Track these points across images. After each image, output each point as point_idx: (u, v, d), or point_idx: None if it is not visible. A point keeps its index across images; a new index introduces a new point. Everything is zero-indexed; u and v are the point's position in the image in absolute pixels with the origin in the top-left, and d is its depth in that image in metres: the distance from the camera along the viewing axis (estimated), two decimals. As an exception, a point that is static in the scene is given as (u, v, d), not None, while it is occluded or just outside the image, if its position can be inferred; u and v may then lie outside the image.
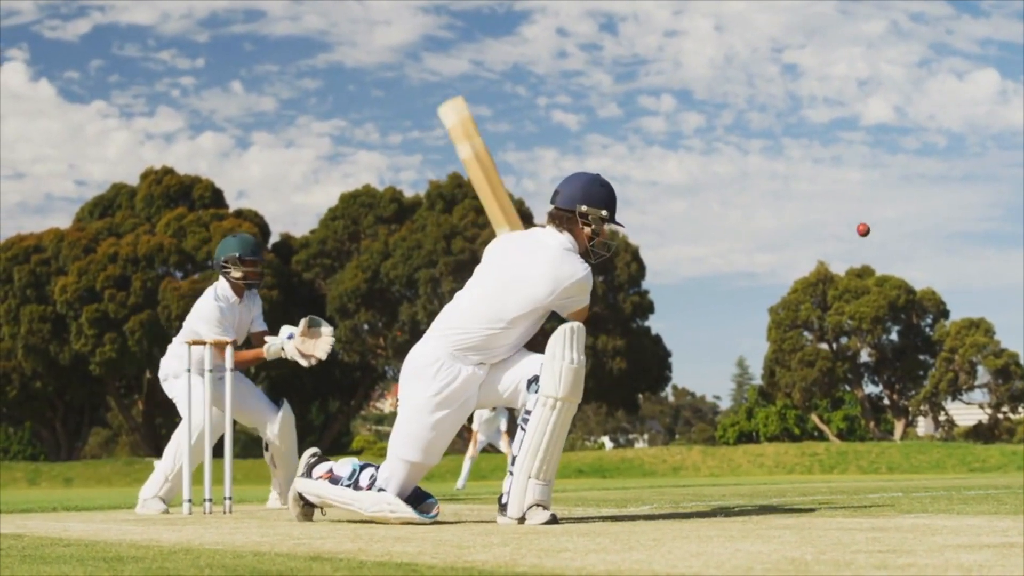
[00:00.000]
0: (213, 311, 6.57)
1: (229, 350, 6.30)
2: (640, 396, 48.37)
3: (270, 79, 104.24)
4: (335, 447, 47.33)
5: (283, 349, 6.59)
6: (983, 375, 44.35)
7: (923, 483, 11.92)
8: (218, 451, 6.46)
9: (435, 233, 40.64)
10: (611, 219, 4.66)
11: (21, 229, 65.32)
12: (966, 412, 49.96)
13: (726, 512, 5.09)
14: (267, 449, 6.92)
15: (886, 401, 47.13)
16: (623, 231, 45.02)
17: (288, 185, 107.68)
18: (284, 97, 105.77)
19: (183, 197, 43.73)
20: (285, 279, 41.43)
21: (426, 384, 4.54)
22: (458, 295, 4.71)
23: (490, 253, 4.75)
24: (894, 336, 45.69)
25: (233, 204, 46.26)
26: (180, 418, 6.49)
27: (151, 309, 38.95)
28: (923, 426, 57.62)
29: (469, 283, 4.71)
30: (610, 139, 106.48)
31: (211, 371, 6.35)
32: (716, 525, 4.07)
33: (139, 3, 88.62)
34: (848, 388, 47.55)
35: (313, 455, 5.03)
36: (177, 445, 6.49)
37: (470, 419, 13.08)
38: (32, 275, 40.12)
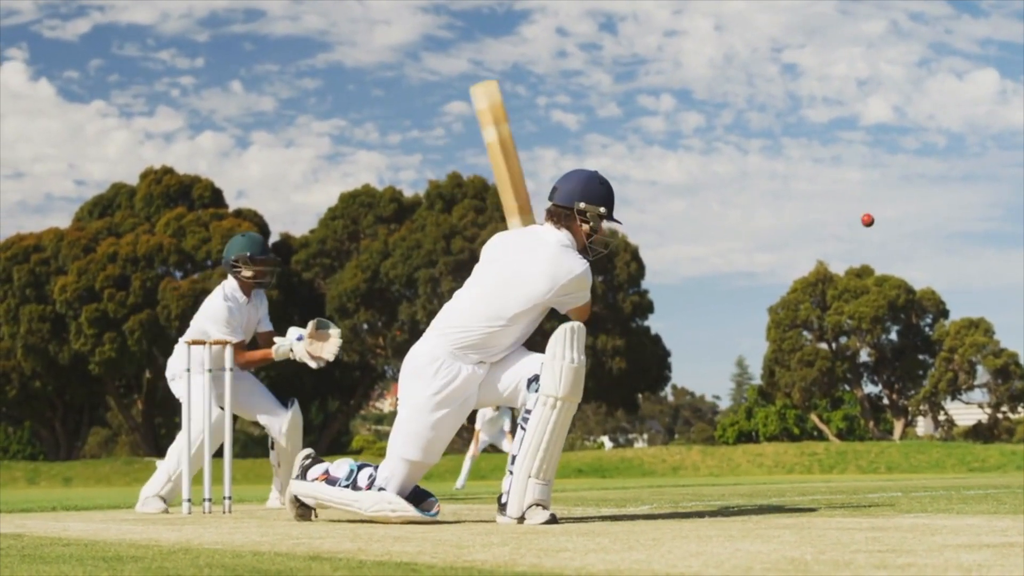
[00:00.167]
0: (222, 311, 6.56)
1: (228, 349, 6.30)
2: (640, 396, 48.37)
3: (270, 79, 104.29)
4: (335, 447, 47.32)
5: (292, 350, 6.59)
6: (982, 375, 44.36)
7: (922, 483, 11.92)
8: (217, 451, 6.46)
9: (434, 233, 40.64)
10: (609, 216, 4.66)
11: (21, 228, 65.41)
12: (965, 412, 49.99)
13: (725, 512, 5.09)
14: (272, 448, 6.91)
15: (885, 401, 47.13)
16: (623, 231, 45.10)
17: (288, 185, 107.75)
18: (284, 97, 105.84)
19: (183, 197, 43.73)
20: (285, 279, 41.42)
21: (426, 383, 4.54)
22: (458, 294, 4.71)
23: (489, 251, 4.74)
24: (894, 336, 45.69)
25: (233, 204, 46.30)
26: (181, 418, 6.48)
27: (150, 309, 38.94)
28: (922, 426, 57.63)
29: (468, 282, 4.71)
30: (609, 139, 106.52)
31: (210, 370, 6.35)
32: (715, 525, 4.07)
33: (139, 3, 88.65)
34: (847, 388, 47.55)
35: (307, 457, 5.01)
36: (181, 445, 6.49)
37: (471, 418, 13.07)
38: (32, 275, 40.11)
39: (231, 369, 6.27)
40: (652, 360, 43.75)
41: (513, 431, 13.95)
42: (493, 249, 4.73)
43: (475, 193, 43.12)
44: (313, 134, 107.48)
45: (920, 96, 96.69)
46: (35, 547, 3.65)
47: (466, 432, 32.20)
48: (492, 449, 13.71)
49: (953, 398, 45.32)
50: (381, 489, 4.59)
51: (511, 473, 4.45)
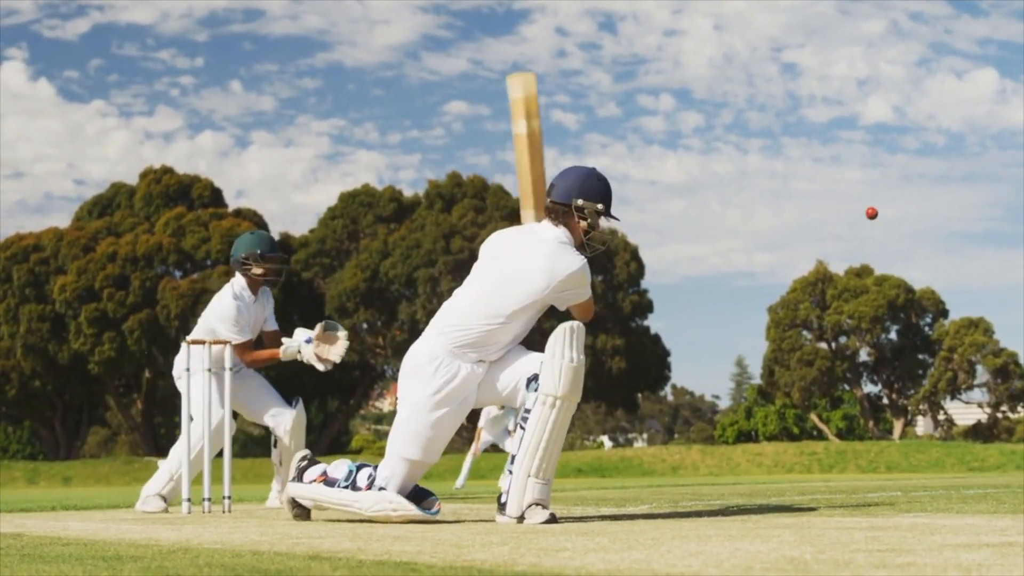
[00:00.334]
0: (231, 309, 6.56)
1: (228, 349, 6.30)
2: (639, 395, 48.36)
3: (269, 78, 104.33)
4: (334, 446, 47.32)
5: (300, 352, 6.60)
6: (982, 374, 44.38)
7: (922, 482, 11.92)
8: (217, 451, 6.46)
9: (434, 232, 40.63)
10: (607, 212, 4.65)
11: (20, 228, 65.43)
12: (965, 411, 50.00)
13: (725, 511, 5.09)
14: (275, 446, 6.92)
15: (885, 400, 47.13)
16: (622, 230, 45.12)
17: (287, 184, 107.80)
18: (283, 96, 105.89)
19: (182, 196, 43.71)
20: (284, 278, 41.42)
21: (425, 382, 4.53)
22: (457, 292, 4.71)
23: (488, 249, 4.74)
24: (893, 335, 45.70)
25: (232, 203, 46.28)
26: (181, 418, 6.48)
27: (150, 308, 38.93)
28: (922, 425, 57.64)
29: (468, 280, 4.70)
30: (609, 138, 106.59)
31: (209, 370, 6.35)
32: (715, 524, 4.06)
33: (138, 2, 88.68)
34: (847, 387, 47.56)
35: (303, 458, 5.00)
36: (184, 444, 6.49)
37: (471, 417, 13.04)
38: (31, 274, 40.10)
39: (231, 369, 6.27)
40: (652, 360, 43.75)
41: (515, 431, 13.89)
42: (492, 247, 4.72)
43: (475, 193, 43.12)
44: (313, 134, 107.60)
45: (920, 96, 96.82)
46: (35, 547, 3.64)
47: (466, 431, 32.21)
48: (493, 449, 13.66)
49: (953, 398, 45.34)
50: (381, 489, 4.59)
51: (510, 472, 4.44)
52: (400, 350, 39.38)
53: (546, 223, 4.64)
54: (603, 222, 4.69)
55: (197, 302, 37.10)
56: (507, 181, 48.48)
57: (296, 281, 42.73)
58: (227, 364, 6.25)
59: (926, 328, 45.64)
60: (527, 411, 4.44)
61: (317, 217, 45.04)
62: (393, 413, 4.80)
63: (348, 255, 43.02)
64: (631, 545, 3.13)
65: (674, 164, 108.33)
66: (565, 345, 4.43)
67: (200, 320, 6.73)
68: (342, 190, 44.86)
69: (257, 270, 6.69)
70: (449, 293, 4.76)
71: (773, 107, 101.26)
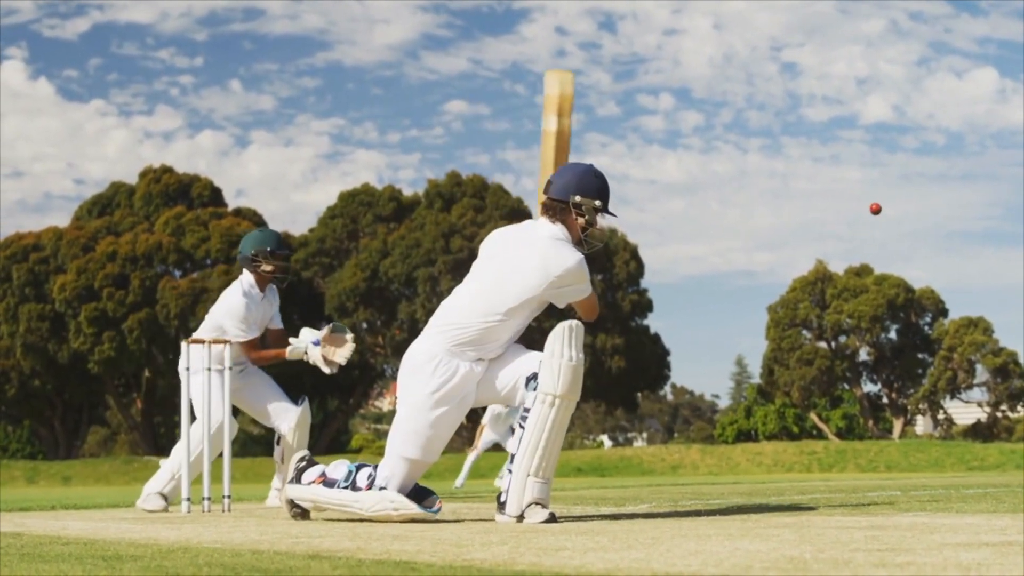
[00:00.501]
0: (240, 306, 6.57)
1: (228, 348, 6.30)
2: (639, 395, 48.36)
3: (269, 78, 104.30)
4: (334, 445, 47.31)
5: (306, 353, 6.61)
6: (982, 374, 44.38)
7: (922, 481, 11.92)
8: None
9: (433, 232, 40.63)
10: (604, 209, 4.65)
11: (20, 227, 65.42)
12: (965, 411, 50.00)
13: (725, 511, 5.09)
14: (278, 443, 6.92)
15: (885, 400, 47.13)
16: (622, 229, 45.11)
17: (287, 184, 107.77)
18: (283, 96, 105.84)
19: (182, 196, 43.71)
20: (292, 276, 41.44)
21: (424, 381, 4.53)
22: (456, 290, 4.71)
23: (487, 247, 4.74)
24: (893, 335, 45.70)
25: (232, 203, 46.29)
26: (181, 417, 6.49)
27: (150, 308, 38.93)
28: (922, 425, 57.65)
29: (467, 278, 4.70)
30: (609, 137, 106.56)
31: (208, 369, 6.35)
32: (715, 523, 4.06)
33: (138, 2, 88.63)
34: (847, 387, 47.56)
35: (301, 459, 5.00)
36: (187, 444, 6.50)
37: (471, 417, 13.06)
38: (31, 274, 40.10)
39: (231, 368, 6.27)
40: (651, 359, 43.76)
41: (517, 431, 13.88)
42: (492, 245, 4.72)
43: (474, 192, 43.11)
44: (312, 133, 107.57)
45: (919, 95, 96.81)
46: (34, 546, 3.64)
47: (466, 431, 32.23)
48: (494, 448, 13.67)
49: (952, 397, 45.34)
50: (382, 488, 4.58)
51: (510, 472, 4.44)
52: (400, 349, 39.37)
53: (543, 220, 4.64)
54: (601, 219, 4.68)
55: (197, 301, 37.13)
56: (506, 180, 48.52)
57: (296, 281, 42.72)
58: (226, 363, 6.25)
59: (926, 327, 45.65)
60: (526, 410, 4.44)
61: (317, 216, 45.07)
62: (393, 412, 4.80)
63: (348, 254, 43.02)
64: (631, 544, 3.13)
65: (674, 163, 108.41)
66: (564, 344, 4.42)
67: (207, 317, 6.73)
68: (342, 189, 44.91)
69: (267, 267, 6.71)
70: (449, 292, 4.75)
71: (773, 106, 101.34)
